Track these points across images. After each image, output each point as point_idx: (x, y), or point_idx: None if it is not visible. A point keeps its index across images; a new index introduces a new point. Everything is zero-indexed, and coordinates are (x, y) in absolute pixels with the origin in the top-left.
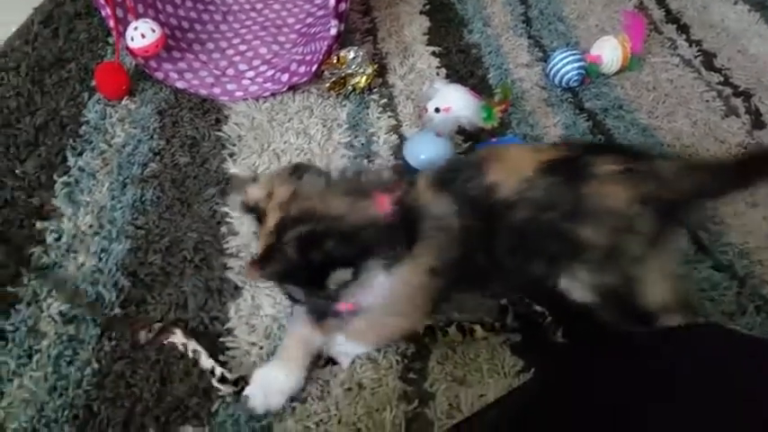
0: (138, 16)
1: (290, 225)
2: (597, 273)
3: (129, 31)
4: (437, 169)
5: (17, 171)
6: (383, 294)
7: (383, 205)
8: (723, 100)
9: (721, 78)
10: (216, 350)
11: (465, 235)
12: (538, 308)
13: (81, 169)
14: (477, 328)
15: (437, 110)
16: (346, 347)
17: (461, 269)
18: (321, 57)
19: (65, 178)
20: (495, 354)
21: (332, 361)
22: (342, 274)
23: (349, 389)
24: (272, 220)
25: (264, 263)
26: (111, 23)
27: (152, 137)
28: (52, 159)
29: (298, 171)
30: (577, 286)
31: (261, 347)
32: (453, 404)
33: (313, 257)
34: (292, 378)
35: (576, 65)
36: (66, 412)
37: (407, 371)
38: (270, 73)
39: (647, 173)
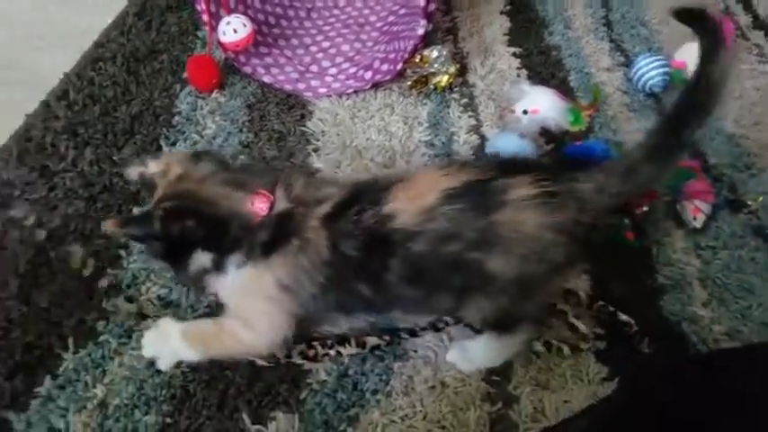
0: (229, 11)
1: (165, 199)
2: (495, 298)
3: (222, 26)
4: (341, 191)
5: (115, 158)
6: (233, 292)
7: (257, 204)
8: None
9: None
10: None
11: (341, 265)
12: (624, 317)
13: None
14: (565, 347)
15: (525, 111)
16: (177, 349)
17: (335, 296)
18: (406, 55)
19: None
20: (578, 360)
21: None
22: (201, 258)
23: (432, 387)
24: (158, 194)
25: (126, 222)
26: (205, 18)
27: (241, 130)
28: (147, 147)
29: (198, 157)
30: (473, 310)
31: None
32: (538, 408)
33: (172, 231)
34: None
35: (660, 70)
36: (164, 391)
37: (490, 372)
38: (353, 70)
39: (565, 196)
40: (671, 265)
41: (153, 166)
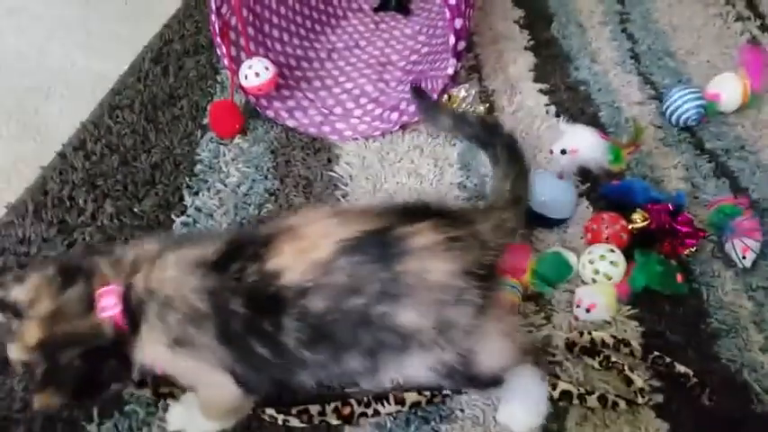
0: (251, 54)
1: (45, 346)
2: (431, 353)
3: (243, 70)
4: (216, 247)
5: (135, 209)
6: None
7: (105, 308)
8: None
9: None
10: None
11: (228, 319)
12: (681, 369)
13: (198, 209)
14: (621, 402)
15: (563, 151)
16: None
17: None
18: (435, 96)
19: (183, 218)
20: (636, 416)
21: None
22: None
23: None
24: (33, 332)
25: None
26: (226, 62)
27: (266, 177)
28: (169, 198)
29: (62, 276)
30: (413, 372)
31: None
32: None
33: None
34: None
35: (695, 103)
36: None
37: (545, 431)
38: (378, 112)
39: (468, 239)
40: (723, 308)
41: (18, 293)
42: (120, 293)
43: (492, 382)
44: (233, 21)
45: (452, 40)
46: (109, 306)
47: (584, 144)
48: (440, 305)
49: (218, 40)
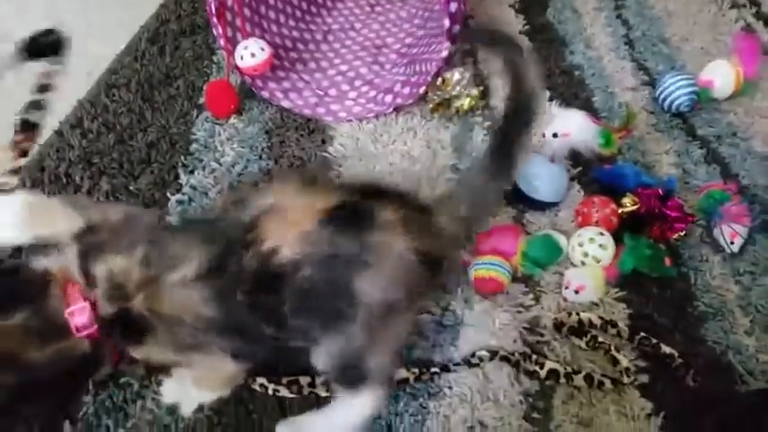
0: (247, 35)
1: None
2: (348, 337)
3: (239, 50)
4: (204, 254)
5: (131, 187)
6: None
7: (75, 322)
8: None
9: None
10: None
11: (232, 313)
12: (667, 350)
13: (193, 187)
14: (607, 381)
15: (555, 135)
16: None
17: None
18: (429, 78)
19: (178, 196)
20: (622, 395)
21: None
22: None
23: (471, 427)
24: None
25: None
26: (222, 42)
27: (260, 156)
28: (165, 176)
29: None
30: (325, 356)
31: None
32: None
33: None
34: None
35: (688, 89)
36: None
37: (532, 409)
38: (372, 94)
39: (426, 224)
40: (710, 291)
41: None
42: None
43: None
44: (229, 1)
45: (447, 23)
46: (84, 326)
47: (575, 128)
48: (392, 280)
49: (215, 20)
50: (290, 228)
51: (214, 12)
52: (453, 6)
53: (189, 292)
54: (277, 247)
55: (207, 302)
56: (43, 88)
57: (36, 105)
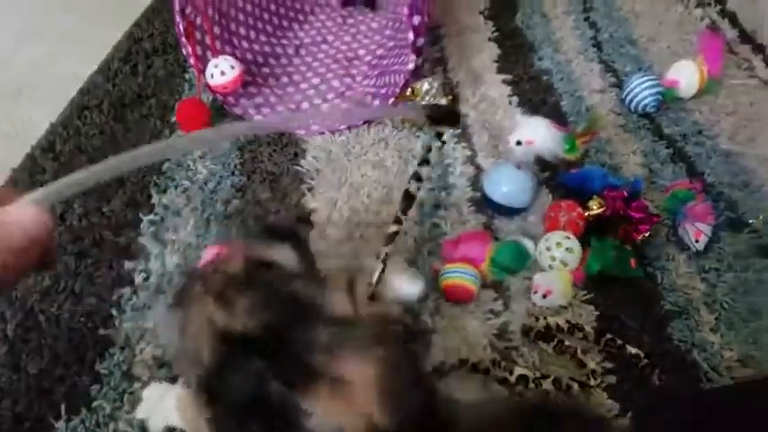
0: (217, 53)
1: None
2: None
3: (210, 69)
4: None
5: (104, 209)
6: None
7: None
8: None
9: None
10: None
11: None
12: (633, 350)
13: (165, 207)
14: (575, 385)
15: (519, 142)
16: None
17: None
18: (398, 90)
19: (150, 216)
20: (590, 398)
21: None
22: None
23: None
24: None
25: None
26: (192, 61)
27: (233, 173)
28: (137, 197)
29: None
30: None
31: None
32: None
33: None
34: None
35: (653, 90)
36: None
37: None
38: (344, 106)
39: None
40: (676, 290)
41: None
42: None
43: None
44: (198, 20)
45: (411, 36)
46: None
47: (538, 135)
48: None
49: (183, 40)
50: None
51: (183, 32)
52: (416, 20)
53: None
54: None
55: None
56: (425, 161)
57: (417, 177)
